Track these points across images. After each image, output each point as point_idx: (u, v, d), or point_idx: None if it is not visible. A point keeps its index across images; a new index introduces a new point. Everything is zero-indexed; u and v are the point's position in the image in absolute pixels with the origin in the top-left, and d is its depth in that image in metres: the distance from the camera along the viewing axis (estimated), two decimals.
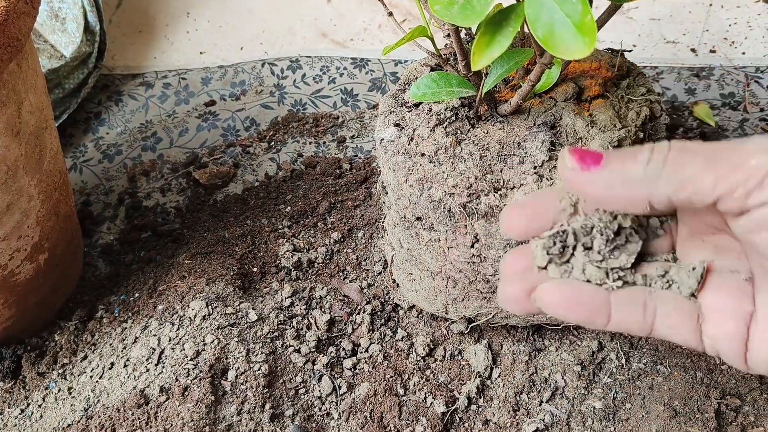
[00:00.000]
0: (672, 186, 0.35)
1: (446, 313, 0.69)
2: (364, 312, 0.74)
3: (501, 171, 0.58)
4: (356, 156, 0.91)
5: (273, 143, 0.93)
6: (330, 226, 0.83)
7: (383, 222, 0.78)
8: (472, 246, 0.59)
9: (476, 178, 0.57)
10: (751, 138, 0.35)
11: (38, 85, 0.67)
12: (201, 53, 1.05)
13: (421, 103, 0.63)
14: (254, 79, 1.00)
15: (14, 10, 0.55)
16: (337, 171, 0.89)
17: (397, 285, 0.76)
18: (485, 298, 0.65)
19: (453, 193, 0.57)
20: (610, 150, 0.38)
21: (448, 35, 0.56)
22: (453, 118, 0.61)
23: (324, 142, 0.93)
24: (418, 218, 0.61)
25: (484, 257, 0.60)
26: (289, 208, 0.85)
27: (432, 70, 0.67)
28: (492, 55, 0.43)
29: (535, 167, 0.57)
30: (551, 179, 0.57)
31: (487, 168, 0.58)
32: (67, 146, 0.93)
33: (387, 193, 0.70)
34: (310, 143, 0.93)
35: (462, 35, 0.61)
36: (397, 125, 0.63)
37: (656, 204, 0.36)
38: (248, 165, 0.91)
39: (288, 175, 0.89)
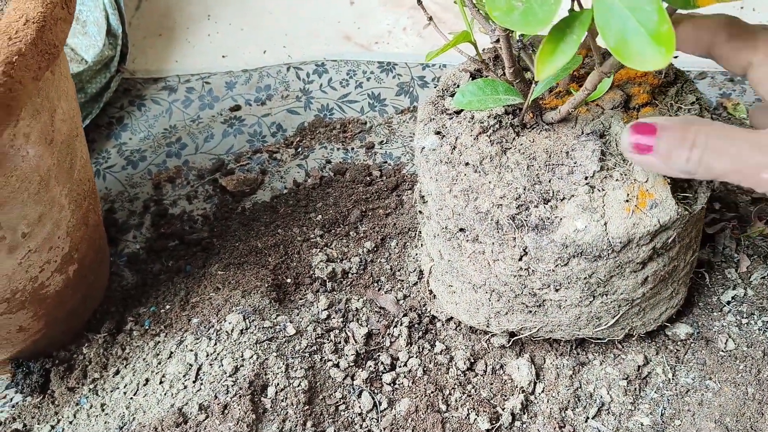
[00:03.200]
0: (709, 177, 0.46)
1: (488, 327, 0.67)
2: (401, 324, 0.72)
3: (550, 181, 0.56)
4: (385, 162, 0.89)
5: (300, 149, 0.91)
6: (362, 235, 0.81)
7: (419, 232, 0.76)
8: (520, 259, 0.57)
9: (524, 189, 0.56)
10: None
11: (69, 91, 0.65)
12: (223, 57, 1.03)
13: (462, 110, 0.61)
14: (279, 83, 0.98)
15: (51, 15, 0.53)
16: (367, 178, 0.87)
17: (434, 297, 0.74)
18: (530, 311, 0.63)
19: (501, 204, 0.56)
20: (662, 134, 0.47)
21: (497, 41, 0.54)
22: (497, 126, 0.59)
23: (352, 148, 0.91)
24: (461, 229, 0.59)
25: (533, 270, 0.58)
26: (320, 216, 0.82)
27: (471, 75, 0.65)
28: (556, 64, 0.41)
29: (586, 177, 0.55)
30: (603, 190, 0.55)
31: (535, 178, 0.56)
32: (90, 152, 0.91)
33: (425, 203, 0.68)
34: (338, 149, 0.91)
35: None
36: (438, 133, 0.61)
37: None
38: (276, 172, 0.89)
39: (317, 183, 0.87)
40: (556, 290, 0.59)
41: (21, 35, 0.49)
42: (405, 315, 0.73)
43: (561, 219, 0.54)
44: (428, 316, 0.74)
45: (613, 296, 0.60)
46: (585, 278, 0.57)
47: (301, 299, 0.73)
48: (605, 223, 0.54)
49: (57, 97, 0.60)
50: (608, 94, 0.61)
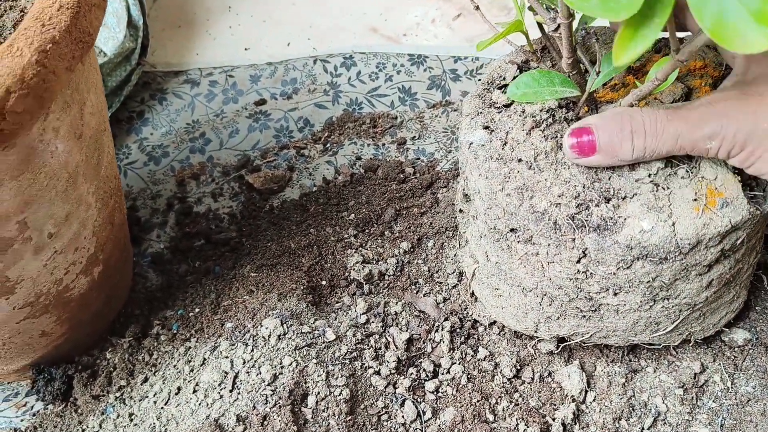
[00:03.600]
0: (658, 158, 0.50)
1: (536, 332, 0.64)
2: (442, 329, 0.68)
3: (609, 179, 0.52)
4: (418, 159, 0.86)
5: (329, 145, 0.87)
6: (398, 234, 0.77)
7: (457, 232, 0.72)
8: (578, 261, 0.54)
9: (584, 187, 0.52)
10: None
11: (98, 83, 0.61)
12: (246, 49, 0.99)
13: (511, 104, 0.58)
14: (306, 76, 0.94)
15: (86, 1, 0.49)
16: (401, 175, 0.83)
17: (476, 300, 0.70)
18: (585, 316, 0.59)
19: (559, 204, 0.52)
20: (600, 134, 0.49)
21: (555, 29, 0.50)
22: (550, 120, 0.56)
23: (383, 144, 0.87)
24: (513, 230, 0.56)
25: (591, 273, 0.54)
26: (352, 215, 0.79)
27: (519, 68, 0.61)
28: (637, 51, 0.38)
29: (650, 175, 0.52)
30: (668, 188, 0.52)
31: (594, 176, 0.52)
32: None
33: (469, 201, 0.64)
34: (369, 145, 0.87)
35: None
36: (486, 128, 0.57)
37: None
38: (304, 168, 0.85)
39: (348, 180, 0.83)
40: (615, 294, 0.56)
41: (55, 22, 0.46)
42: (446, 319, 0.69)
43: (625, 219, 0.51)
44: (470, 320, 0.70)
45: (675, 300, 0.56)
46: (648, 282, 0.54)
47: (337, 302, 0.70)
48: (673, 224, 0.50)
49: (87, 89, 0.56)
50: (668, 87, 0.57)
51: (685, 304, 0.57)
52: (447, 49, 0.96)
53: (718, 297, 0.59)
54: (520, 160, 0.54)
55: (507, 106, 0.58)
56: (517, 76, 0.58)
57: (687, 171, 0.52)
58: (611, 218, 0.51)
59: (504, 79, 0.60)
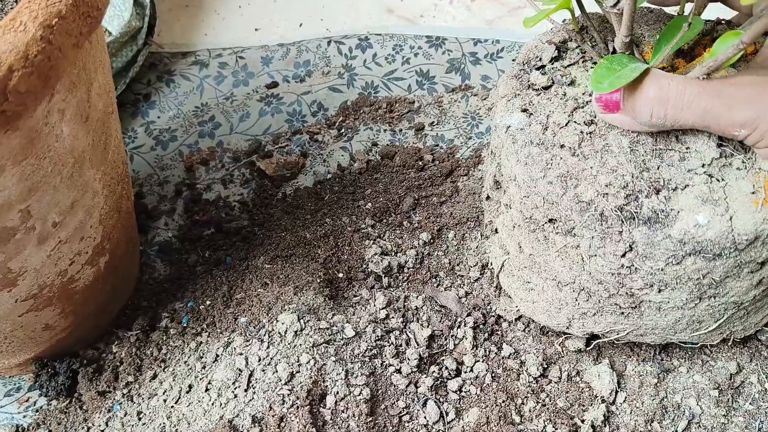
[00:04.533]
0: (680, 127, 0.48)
1: (568, 328, 0.60)
2: (465, 325, 0.65)
3: (659, 168, 0.49)
4: (437, 146, 0.82)
5: (343, 130, 0.84)
6: (417, 225, 0.74)
7: (486, 220, 0.69)
8: (624, 255, 0.50)
9: (632, 176, 0.48)
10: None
11: (105, 62, 0.57)
12: (256, 30, 0.95)
13: (551, 85, 0.54)
14: (320, 58, 0.90)
15: None
16: (419, 163, 0.80)
17: (501, 293, 0.67)
18: (623, 313, 0.56)
19: (607, 194, 0.48)
20: (625, 92, 0.47)
21: (615, 4, 0.47)
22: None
23: (400, 130, 0.84)
24: (551, 220, 0.52)
25: (636, 268, 0.51)
26: (369, 204, 0.75)
27: (557, 47, 0.57)
28: None
29: (703, 165, 0.48)
30: (723, 180, 0.48)
31: (642, 164, 0.49)
32: None
33: (499, 188, 0.61)
34: (385, 131, 0.84)
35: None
36: (524, 111, 0.54)
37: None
38: (317, 155, 0.82)
39: (364, 167, 0.80)
40: (660, 291, 0.52)
41: None
42: (468, 314, 0.66)
43: (678, 212, 0.47)
44: (494, 316, 0.67)
45: (723, 299, 0.53)
46: (697, 279, 0.50)
47: (355, 296, 0.67)
48: (730, 218, 0.47)
49: (94, 68, 0.53)
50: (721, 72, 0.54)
51: (732, 303, 0.54)
52: (466, 31, 0.92)
53: (765, 295, 0.56)
54: (562, 146, 0.51)
55: (546, 88, 0.54)
56: (555, 56, 0.55)
57: (743, 161, 0.48)
58: (663, 211, 0.48)
59: (540, 59, 0.57)
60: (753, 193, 0.48)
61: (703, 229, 0.47)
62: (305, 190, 0.78)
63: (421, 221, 0.74)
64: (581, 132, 0.51)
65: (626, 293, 0.53)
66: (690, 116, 0.45)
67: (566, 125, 0.51)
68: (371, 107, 0.86)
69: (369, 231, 0.73)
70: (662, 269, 0.50)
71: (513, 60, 0.86)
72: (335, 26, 0.95)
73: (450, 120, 0.84)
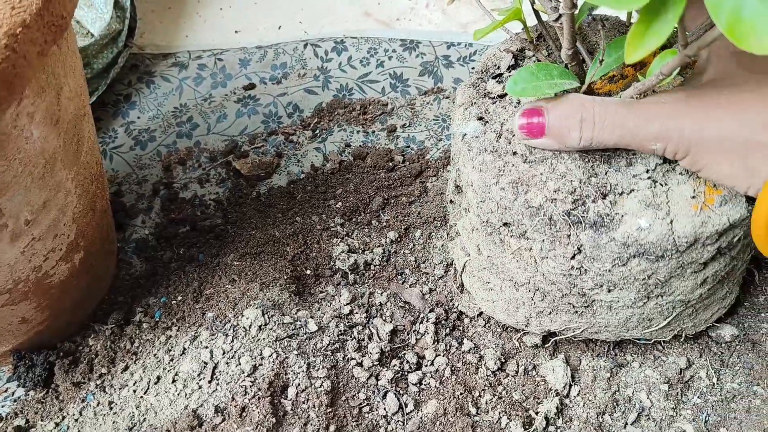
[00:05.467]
0: (602, 147, 0.49)
1: (526, 326, 0.63)
2: (427, 321, 0.68)
3: (606, 174, 0.51)
4: (408, 147, 0.84)
5: (318, 131, 0.86)
6: (385, 224, 0.76)
7: (446, 222, 0.71)
8: (573, 257, 0.53)
9: (580, 182, 0.51)
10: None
11: (76, 67, 0.60)
12: (236, 32, 0.98)
13: (506, 94, 0.56)
14: (296, 61, 0.93)
15: None
16: (389, 163, 0.82)
17: (464, 292, 0.70)
18: (577, 312, 0.58)
19: (555, 199, 0.51)
20: (550, 118, 0.49)
21: (556, 19, 0.49)
22: None
23: (373, 131, 0.86)
24: (506, 224, 0.55)
25: (585, 270, 0.53)
26: (340, 203, 0.78)
27: (514, 56, 0.60)
28: (649, 47, 0.36)
29: (647, 170, 0.51)
30: (666, 185, 0.51)
31: (591, 170, 0.51)
32: (96, 131, 0.86)
33: (461, 193, 0.63)
34: (358, 132, 0.86)
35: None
36: (480, 119, 0.56)
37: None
38: (292, 155, 0.84)
39: (336, 167, 0.82)
40: (609, 291, 0.55)
41: (25, 5, 0.44)
42: (431, 310, 0.69)
43: (622, 216, 0.50)
44: (455, 312, 0.69)
45: (669, 297, 0.56)
46: (643, 279, 0.53)
47: (321, 292, 0.69)
48: (671, 222, 0.49)
49: (64, 73, 0.55)
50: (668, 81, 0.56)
51: (679, 301, 0.57)
52: (440, 35, 0.94)
53: (711, 293, 0.59)
54: (515, 153, 0.53)
55: (502, 96, 0.57)
56: (512, 65, 0.57)
57: (684, 167, 0.51)
58: (608, 215, 0.50)
59: (498, 68, 0.59)
60: (693, 197, 0.50)
61: (645, 233, 0.49)
62: (279, 189, 0.81)
63: (389, 220, 0.77)
64: None
65: (578, 293, 0.56)
66: (611, 137, 0.47)
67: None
68: (345, 109, 0.88)
69: (338, 229, 0.75)
70: (609, 270, 0.52)
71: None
72: (313, 29, 0.97)
73: (422, 122, 0.86)
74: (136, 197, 0.81)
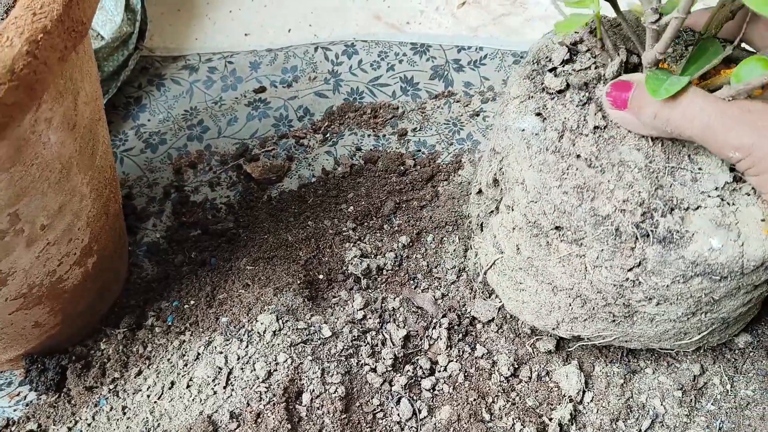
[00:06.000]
0: (680, 137, 0.48)
1: (554, 329, 0.61)
2: (440, 326, 0.68)
3: (671, 186, 0.49)
4: (419, 151, 0.84)
5: (329, 135, 0.86)
6: (397, 228, 0.76)
7: (474, 214, 0.67)
8: (631, 270, 0.51)
9: (648, 194, 0.49)
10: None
11: (93, 71, 0.60)
12: (246, 35, 0.97)
13: (565, 89, 0.53)
14: (307, 64, 0.92)
15: None
16: (401, 167, 0.82)
17: (476, 296, 0.69)
18: (615, 321, 0.57)
19: (624, 210, 0.49)
20: (637, 89, 0.48)
21: (656, 21, 0.46)
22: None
23: (384, 135, 0.86)
24: (558, 228, 0.52)
25: (640, 282, 0.51)
26: (351, 207, 0.78)
27: (569, 49, 0.56)
28: None
29: (716, 188, 0.49)
30: (734, 203, 0.49)
31: (656, 181, 0.49)
32: None
33: (495, 186, 0.60)
34: (369, 136, 0.86)
35: None
36: (538, 114, 0.53)
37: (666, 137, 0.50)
38: (303, 159, 0.84)
39: (347, 171, 0.82)
40: (658, 304, 0.53)
41: (46, 10, 0.44)
42: (444, 315, 0.69)
43: (693, 234, 0.48)
44: (468, 317, 0.69)
45: (714, 315, 0.55)
46: (699, 297, 0.51)
47: (334, 297, 0.69)
48: (742, 244, 0.48)
49: (81, 78, 0.55)
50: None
51: (720, 319, 0.55)
52: (450, 39, 0.94)
53: (746, 311, 0.58)
54: (578, 156, 0.50)
55: (561, 92, 0.54)
56: (566, 59, 0.54)
57: (752, 188, 0.49)
58: (678, 231, 0.48)
59: (551, 61, 0.56)
60: (763, 220, 0.48)
61: (716, 253, 0.48)
62: (290, 193, 0.81)
63: (401, 225, 0.76)
64: (597, 143, 0.51)
65: (623, 304, 0.54)
66: (690, 127, 0.45)
67: (582, 135, 0.51)
68: (356, 113, 0.88)
69: (350, 234, 0.75)
70: (667, 286, 0.51)
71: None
72: (323, 32, 0.97)
73: (432, 126, 0.86)
74: (147, 200, 0.81)
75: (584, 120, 0.52)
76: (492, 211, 0.63)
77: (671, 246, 0.48)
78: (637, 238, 0.49)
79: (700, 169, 0.50)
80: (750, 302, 0.54)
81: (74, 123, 0.55)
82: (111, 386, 0.64)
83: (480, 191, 0.64)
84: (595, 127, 0.51)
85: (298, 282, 0.67)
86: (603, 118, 0.52)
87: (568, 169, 0.50)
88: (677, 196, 0.49)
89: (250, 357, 0.59)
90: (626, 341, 0.60)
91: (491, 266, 0.64)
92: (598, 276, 0.53)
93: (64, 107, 0.52)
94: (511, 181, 0.55)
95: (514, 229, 0.58)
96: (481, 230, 0.66)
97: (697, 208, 0.49)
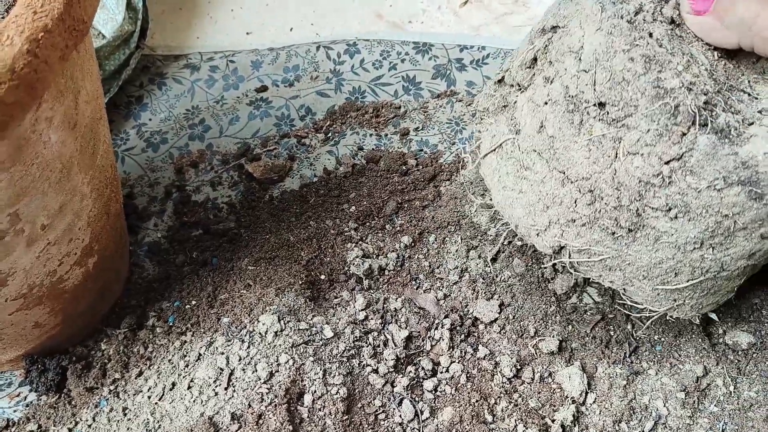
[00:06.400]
0: (755, 42, 0.47)
1: (542, 232, 0.56)
2: (442, 327, 0.67)
3: (730, 98, 0.48)
4: (421, 150, 0.84)
5: (330, 134, 0.86)
6: (399, 228, 0.76)
7: (482, 107, 0.63)
8: (668, 162, 0.47)
9: (711, 90, 0.47)
10: None
11: (93, 70, 0.59)
12: (248, 34, 0.97)
13: None
14: (308, 63, 0.92)
15: None
16: (403, 167, 0.82)
17: (479, 296, 0.69)
18: (613, 234, 0.52)
19: (691, 89, 0.46)
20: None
21: None
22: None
23: (386, 135, 0.86)
24: (601, 104, 0.49)
25: (671, 182, 0.48)
26: (353, 207, 0.77)
27: None
28: None
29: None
30: None
31: (720, 84, 0.48)
32: None
33: (531, 68, 0.57)
34: (371, 135, 0.86)
35: None
36: None
37: (746, 48, 0.48)
38: (305, 158, 0.84)
39: (349, 171, 0.82)
40: (673, 219, 0.50)
41: (47, 9, 0.44)
42: (446, 316, 0.68)
43: (751, 136, 0.46)
44: (470, 318, 0.69)
45: (718, 254, 0.51)
46: (722, 216, 0.49)
47: (336, 298, 0.69)
48: None
49: (81, 77, 0.54)
50: None
51: (717, 265, 0.52)
52: (453, 38, 0.94)
53: (739, 275, 0.55)
54: (651, 35, 0.48)
55: None
56: None
57: None
58: (737, 129, 0.46)
59: None
60: None
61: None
62: (291, 193, 0.80)
63: (403, 225, 0.76)
64: (669, 32, 0.49)
65: (636, 211, 0.51)
66: None
67: (656, 21, 0.50)
68: (358, 112, 0.87)
69: (352, 234, 0.75)
70: (699, 192, 0.48)
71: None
72: (325, 31, 0.97)
73: (435, 125, 0.86)
74: (149, 200, 0.81)
75: (660, 11, 0.50)
76: (508, 101, 0.59)
77: (726, 141, 0.46)
78: (694, 123, 0.46)
79: (757, 95, 0.49)
80: (755, 257, 0.52)
81: (75, 122, 0.55)
82: (111, 387, 0.64)
83: (501, 80, 0.60)
84: (672, 20, 0.50)
85: (300, 282, 0.67)
86: (678, 15, 0.51)
87: (640, 39, 0.48)
88: (735, 107, 0.48)
89: (251, 358, 0.59)
90: (609, 268, 0.55)
91: (494, 149, 0.58)
92: (627, 165, 0.49)
93: (64, 106, 0.52)
94: (560, 53, 0.52)
95: (546, 103, 0.53)
96: (488, 117, 0.62)
97: (751, 124, 0.47)
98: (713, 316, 0.66)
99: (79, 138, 0.56)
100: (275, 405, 0.56)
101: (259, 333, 0.61)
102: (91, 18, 0.50)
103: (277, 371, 0.59)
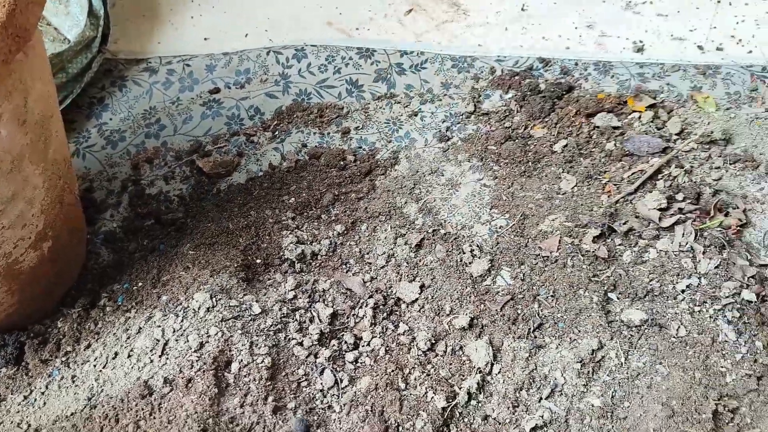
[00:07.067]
0: None
1: None
2: (366, 306, 0.74)
3: None
4: (360, 148, 0.91)
5: (277, 133, 0.93)
6: (334, 218, 0.83)
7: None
8: None
9: None
10: None
11: (45, 72, 0.66)
12: (205, 39, 1.04)
13: None
14: (259, 67, 0.99)
15: None
16: (342, 163, 0.89)
17: (402, 279, 0.76)
18: None
19: None
20: None
21: None
22: None
23: (328, 133, 0.93)
24: None
25: None
26: (293, 199, 0.85)
27: None
28: None
29: None
30: None
31: None
32: (70, 132, 0.93)
33: None
34: (315, 134, 0.93)
35: None
36: None
37: None
38: (252, 154, 0.91)
39: (292, 166, 0.89)
40: None
41: None
42: (371, 296, 0.75)
43: None
44: (393, 298, 0.76)
45: None
46: None
47: (269, 279, 0.76)
48: None
49: (31, 78, 0.61)
50: None
51: None
52: (394, 44, 1.01)
53: None
54: None
55: None
56: None
57: None
58: None
59: None
60: None
61: None
62: (238, 186, 0.87)
63: (338, 215, 0.83)
64: None
65: None
66: None
67: None
68: (304, 112, 0.95)
69: (289, 222, 0.82)
70: None
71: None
72: (278, 37, 1.04)
73: (374, 125, 0.93)
74: (107, 193, 0.88)
75: None
76: None
77: None
78: None
79: None
80: None
81: (25, 119, 0.61)
82: (63, 359, 0.71)
83: None
84: None
85: (236, 265, 0.74)
86: None
87: None
88: None
89: (184, 330, 0.66)
90: None
91: None
92: None
93: (13, 105, 0.59)
94: None
95: None
96: None
97: None
98: (613, 296, 0.74)
99: (29, 133, 0.63)
100: (203, 371, 0.63)
101: (193, 309, 0.68)
102: (34, 26, 0.57)
103: (207, 342, 0.65)
